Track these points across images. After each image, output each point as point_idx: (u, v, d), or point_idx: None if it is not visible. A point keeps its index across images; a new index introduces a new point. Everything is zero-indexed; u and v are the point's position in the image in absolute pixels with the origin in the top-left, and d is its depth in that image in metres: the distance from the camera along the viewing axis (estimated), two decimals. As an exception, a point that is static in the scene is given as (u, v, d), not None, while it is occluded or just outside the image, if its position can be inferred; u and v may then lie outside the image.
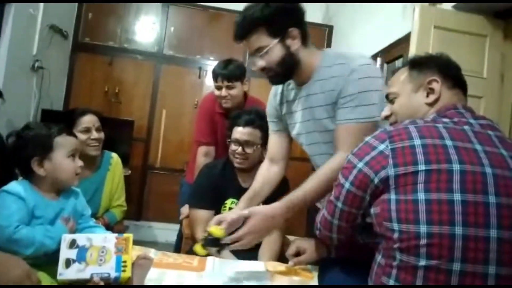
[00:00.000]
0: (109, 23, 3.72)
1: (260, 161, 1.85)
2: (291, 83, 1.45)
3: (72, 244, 1.02)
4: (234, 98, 2.13)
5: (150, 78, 3.76)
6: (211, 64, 3.77)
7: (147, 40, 3.77)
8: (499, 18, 2.09)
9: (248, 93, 2.30)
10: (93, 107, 3.54)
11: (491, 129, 0.93)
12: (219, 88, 2.13)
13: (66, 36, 3.52)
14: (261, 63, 1.30)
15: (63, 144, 1.17)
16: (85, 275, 0.99)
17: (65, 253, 1.00)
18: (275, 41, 1.27)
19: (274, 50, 1.28)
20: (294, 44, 1.30)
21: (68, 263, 0.99)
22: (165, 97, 3.77)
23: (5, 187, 1.10)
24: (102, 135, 1.85)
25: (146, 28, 3.77)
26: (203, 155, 2.19)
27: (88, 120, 1.81)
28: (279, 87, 1.52)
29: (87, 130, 1.79)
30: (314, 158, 1.52)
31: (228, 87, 2.11)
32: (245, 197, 1.50)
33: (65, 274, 0.99)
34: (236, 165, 1.80)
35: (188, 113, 3.76)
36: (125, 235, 1.09)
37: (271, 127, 1.59)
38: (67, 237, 1.03)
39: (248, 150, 1.75)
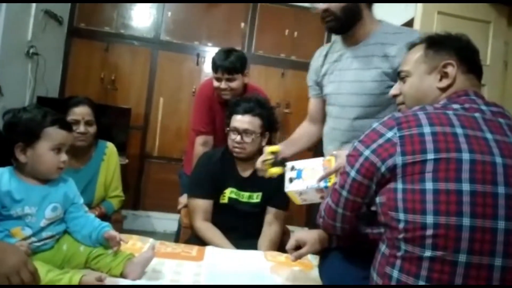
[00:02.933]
0: (105, 8, 3.63)
1: (259, 150, 1.83)
2: (337, 46, 1.49)
3: (292, 168, 1.36)
4: (234, 91, 2.06)
5: (147, 64, 3.69)
6: (209, 51, 3.71)
7: (144, 25, 3.69)
8: (504, 4, 2.05)
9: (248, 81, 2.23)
10: (89, 94, 3.51)
11: (502, 116, 0.91)
12: (218, 79, 2.06)
13: (61, 22, 3.44)
14: (325, 5, 1.34)
15: (50, 136, 1.16)
16: (303, 187, 1.30)
17: (288, 174, 1.36)
18: None
19: None
20: None
21: (291, 180, 1.34)
22: (163, 84, 3.71)
23: None
24: (92, 129, 1.78)
25: (143, 13, 3.68)
26: (201, 145, 2.14)
27: (79, 112, 1.75)
28: (323, 50, 1.58)
29: (75, 123, 1.72)
30: (339, 121, 1.51)
31: (229, 80, 2.03)
32: (283, 143, 1.60)
33: (290, 187, 1.33)
34: (235, 154, 1.77)
35: (186, 100, 3.71)
36: (329, 157, 1.31)
37: (310, 91, 1.68)
38: (289, 164, 1.38)
39: (247, 139, 1.72)
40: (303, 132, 1.68)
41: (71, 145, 1.71)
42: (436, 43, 1.02)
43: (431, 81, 1.00)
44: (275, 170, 1.47)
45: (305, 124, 1.73)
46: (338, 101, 1.50)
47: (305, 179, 1.32)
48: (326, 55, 1.57)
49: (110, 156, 1.90)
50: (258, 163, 1.51)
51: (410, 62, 1.05)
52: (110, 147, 1.93)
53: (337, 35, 1.49)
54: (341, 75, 1.48)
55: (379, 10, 2.83)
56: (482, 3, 2.04)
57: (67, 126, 1.22)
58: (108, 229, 1.23)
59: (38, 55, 3.08)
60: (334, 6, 1.34)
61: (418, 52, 1.04)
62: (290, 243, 1.26)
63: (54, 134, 1.16)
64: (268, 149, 1.50)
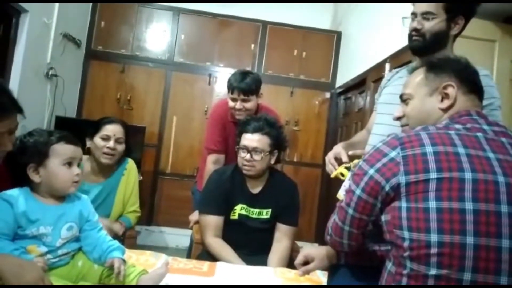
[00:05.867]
0: (121, 31, 3.78)
1: (269, 167, 1.87)
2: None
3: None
4: (248, 111, 2.11)
5: (161, 85, 3.80)
6: (220, 71, 3.81)
7: (158, 47, 3.82)
8: (509, 23, 2.07)
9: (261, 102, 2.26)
10: (105, 114, 3.59)
11: (505, 136, 0.92)
12: (234, 100, 2.11)
13: (79, 44, 3.58)
14: (419, 25, 1.41)
15: (59, 152, 1.18)
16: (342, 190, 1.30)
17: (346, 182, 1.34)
18: (445, 16, 1.38)
19: (438, 22, 1.39)
20: (455, 30, 1.42)
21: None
22: (176, 103, 3.81)
23: (3, 192, 1.12)
24: (121, 147, 1.87)
25: (157, 36, 3.82)
26: (212, 162, 2.18)
27: (111, 129, 1.85)
28: (398, 69, 1.66)
29: (107, 138, 1.83)
30: (389, 128, 1.51)
31: (244, 100, 2.08)
32: (342, 143, 1.63)
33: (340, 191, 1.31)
34: (244, 172, 1.80)
35: (198, 119, 3.79)
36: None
37: (375, 107, 1.73)
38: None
39: (256, 157, 1.75)
40: (362, 139, 1.72)
41: (97, 161, 1.83)
42: (436, 66, 1.04)
43: (432, 103, 1.02)
44: (345, 173, 1.42)
45: (364, 132, 1.79)
46: (391, 110, 1.53)
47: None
48: (397, 72, 1.64)
49: (130, 172, 1.97)
50: (331, 159, 1.48)
51: (411, 85, 1.08)
52: (131, 163, 2.00)
53: (416, 55, 1.54)
54: (400, 88, 1.54)
55: (385, 31, 2.90)
56: (487, 22, 2.06)
57: (74, 141, 1.24)
58: (113, 256, 1.21)
59: (57, 76, 3.20)
60: (428, 28, 1.40)
61: (419, 76, 1.06)
62: (299, 259, 1.27)
63: (62, 150, 1.19)
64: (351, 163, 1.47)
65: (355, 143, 1.69)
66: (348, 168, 1.41)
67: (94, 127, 1.87)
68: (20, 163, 1.16)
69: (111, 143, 1.83)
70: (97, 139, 1.84)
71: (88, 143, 1.88)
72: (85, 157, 1.83)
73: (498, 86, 2.01)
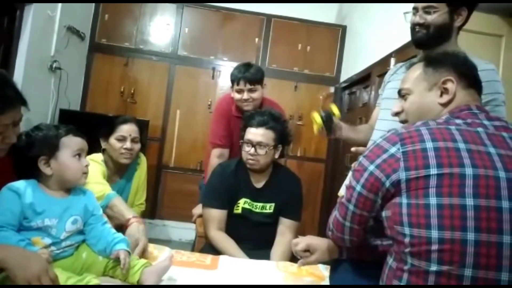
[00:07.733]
0: (125, 25, 3.78)
1: (273, 162, 1.87)
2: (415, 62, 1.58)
3: None
4: (256, 101, 2.12)
5: (165, 78, 3.80)
6: (224, 65, 3.80)
7: (162, 41, 3.81)
8: (516, 18, 2.05)
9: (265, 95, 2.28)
10: (109, 107, 3.63)
11: (506, 130, 0.91)
12: (240, 91, 2.11)
13: (83, 37, 3.58)
14: (421, 19, 1.41)
15: (68, 144, 1.21)
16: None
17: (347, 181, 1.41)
18: (446, 9, 1.38)
19: (441, 14, 1.39)
20: (458, 21, 1.41)
21: None
22: (179, 97, 3.81)
23: (10, 183, 1.14)
24: (137, 146, 1.85)
25: (161, 29, 3.81)
26: (216, 157, 2.19)
27: (126, 129, 1.82)
28: (401, 64, 1.67)
29: (123, 139, 1.80)
30: (391, 124, 1.50)
31: (250, 90, 2.10)
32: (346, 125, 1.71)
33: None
34: (248, 166, 1.81)
35: (201, 113, 3.80)
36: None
37: (378, 100, 1.75)
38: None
39: (260, 151, 1.76)
40: (365, 129, 1.75)
41: (114, 161, 1.82)
42: (434, 61, 1.04)
43: (432, 97, 1.01)
44: (315, 116, 1.60)
45: (368, 126, 1.80)
46: (385, 106, 1.52)
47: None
48: (401, 67, 1.62)
49: (142, 165, 2.00)
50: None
51: (410, 80, 1.07)
52: (142, 158, 2.02)
53: (419, 49, 1.52)
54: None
55: (390, 25, 2.87)
56: (494, 16, 2.04)
57: (80, 134, 1.27)
58: (118, 248, 1.23)
59: (61, 69, 3.21)
60: (431, 21, 1.39)
61: (418, 71, 1.06)
62: (301, 245, 1.27)
63: (71, 142, 1.22)
64: (332, 105, 1.66)
65: (356, 129, 1.74)
66: (321, 116, 1.57)
67: (108, 127, 1.83)
68: (29, 156, 1.18)
69: (127, 144, 1.80)
70: (113, 140, 1.80)
71: (103, 144, 1.84)
72: (99, 157, 1.81)
73: (504, 81, 1.99)
